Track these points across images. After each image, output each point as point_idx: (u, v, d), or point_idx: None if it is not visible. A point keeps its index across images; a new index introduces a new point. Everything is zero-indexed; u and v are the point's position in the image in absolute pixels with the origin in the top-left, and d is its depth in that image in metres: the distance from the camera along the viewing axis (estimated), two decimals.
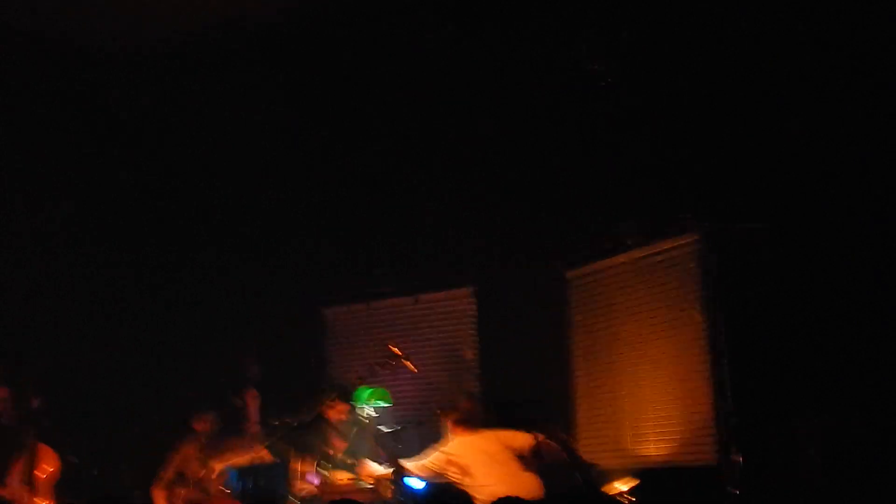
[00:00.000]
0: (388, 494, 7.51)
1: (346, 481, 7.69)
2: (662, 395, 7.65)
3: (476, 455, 7.32)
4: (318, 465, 7.80)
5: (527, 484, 6.94)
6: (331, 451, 8.09)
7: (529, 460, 7.10)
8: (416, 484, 7.51)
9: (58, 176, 9.29)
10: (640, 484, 7.21)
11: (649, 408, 7.75)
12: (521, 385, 8.31)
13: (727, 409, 6.90)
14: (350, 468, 7.88)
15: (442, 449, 7.51)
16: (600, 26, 7.49)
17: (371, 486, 7.59)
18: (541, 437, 7.16)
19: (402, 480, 7.43)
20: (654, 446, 7.68)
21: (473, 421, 7.65)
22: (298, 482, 7.71)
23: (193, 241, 10.00)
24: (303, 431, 7.79)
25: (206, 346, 9.70)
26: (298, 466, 7.76)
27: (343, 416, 8.14)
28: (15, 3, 7.87)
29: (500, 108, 8.28)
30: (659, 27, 7.37)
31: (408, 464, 7.49)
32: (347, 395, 8.23)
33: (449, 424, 7.64)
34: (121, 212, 9.70)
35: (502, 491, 6.71)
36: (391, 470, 7.52)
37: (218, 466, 8.32)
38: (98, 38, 8.25)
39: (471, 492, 7.24)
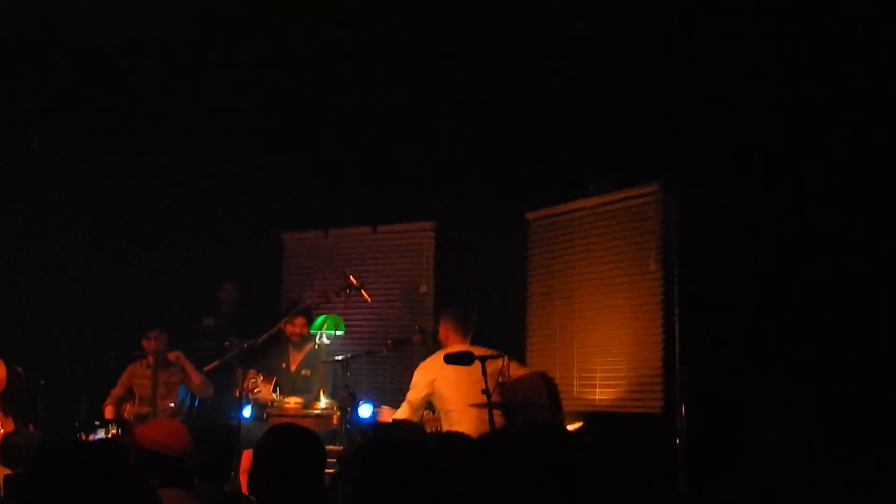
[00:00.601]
0: (335, 422, 7.57)
1: (294, 406, 7.75)
2: (613, 342, 7.74)
3: (461, 375, 6.78)
4: (273, 384, 7.88)
5: (483, 418, 6.45)
6: (284, 365, 8.22)
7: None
8: (364, 413, 7.56)
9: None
10: (586, 427, 7.31)
11: (599, 353, 7.85)
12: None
13: (676, 361, 6.98)
14: (303, 390, 7.96)
15: (427, 366, 7.13)
16: None
17: (319, 413, 7.65)
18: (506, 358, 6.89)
19: (354, 410, 7.47)
20: (601, 391, 7.79)
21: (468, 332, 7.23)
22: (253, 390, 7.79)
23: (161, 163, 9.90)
24: (260, 347, 7.88)
25: (176, 267, 9.72)
26: (256, 379, 7.84)
27: (300, 331, 8.25)
28: None
29: (472, 49, 8.19)
30: None
31: (395, 413, 7.25)
32: (306, 311, 8.33)
33: (449, 329, 7.22)
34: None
35: (473, 425, 6.49)
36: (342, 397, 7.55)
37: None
38: None
39: (450, 417, 6.86)
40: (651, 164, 7.49)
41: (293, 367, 8.27)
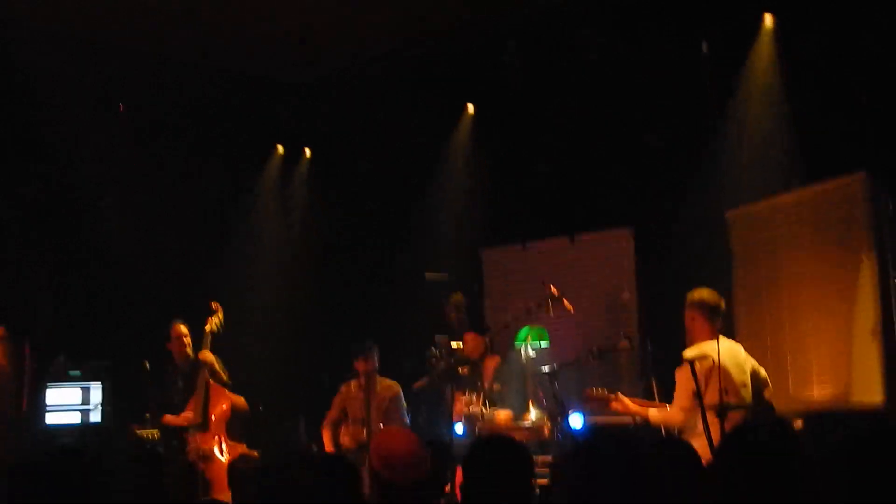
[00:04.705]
0: (546, 433, 7.55)
1: (505, 419, 7.79)
2: (826, 337, 7.45)
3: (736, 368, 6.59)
4: (482, 402, 7.94)
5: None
6: (479, 383, 8.25)
7: None
8: (576, 423, 7.50)
9: None
10: (805, 427, 7.05)
11: (812, 350, 7.56)
12: (681, 327, 8.18)
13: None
14: (511, 406, 7.99)
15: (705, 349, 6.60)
16: None
17: (530, 425, 7.65)
18: None
19: (564, 420, 7.43)
20: (818, 389, 7.49)
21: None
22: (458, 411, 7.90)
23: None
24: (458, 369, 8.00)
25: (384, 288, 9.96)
26: (470, 397, 7.96)
27: (472, 349, 8.36)
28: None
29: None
30: None
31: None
32: (481, 331, 8.48)
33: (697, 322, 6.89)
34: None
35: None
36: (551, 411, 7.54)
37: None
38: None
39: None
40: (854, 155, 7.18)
41: (486, 385, 8.28)
